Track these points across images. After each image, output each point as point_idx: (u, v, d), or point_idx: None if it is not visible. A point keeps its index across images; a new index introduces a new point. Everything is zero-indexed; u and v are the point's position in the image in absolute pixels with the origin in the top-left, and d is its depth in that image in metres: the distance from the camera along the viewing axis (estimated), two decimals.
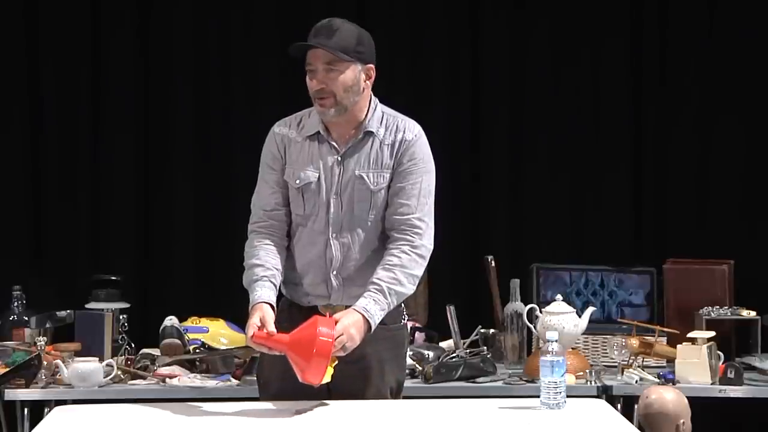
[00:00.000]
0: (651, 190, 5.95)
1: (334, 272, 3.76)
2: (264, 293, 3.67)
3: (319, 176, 3.76)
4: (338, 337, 3.53)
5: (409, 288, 3.73)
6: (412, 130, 3.79)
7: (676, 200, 5.93)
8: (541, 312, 4.95)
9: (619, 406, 4.73)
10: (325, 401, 3.67)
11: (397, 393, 3.86)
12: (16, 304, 5.29)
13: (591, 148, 5.95)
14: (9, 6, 5.80)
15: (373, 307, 3.64)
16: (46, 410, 4.58)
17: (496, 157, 5.94)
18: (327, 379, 3.56)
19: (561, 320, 4.86)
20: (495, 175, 5.94)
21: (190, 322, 5.26)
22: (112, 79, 5.86)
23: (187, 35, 5.88)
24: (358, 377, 3.73)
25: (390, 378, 3.82)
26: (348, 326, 3.57)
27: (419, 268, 3.74)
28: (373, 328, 3.64)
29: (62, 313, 5.29)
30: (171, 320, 5.20)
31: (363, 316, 3.62)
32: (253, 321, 3.61)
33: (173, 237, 5.88)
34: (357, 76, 3.71)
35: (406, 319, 3.91)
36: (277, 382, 3.80)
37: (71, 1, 5.84)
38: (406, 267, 3.71)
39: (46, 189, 5.85)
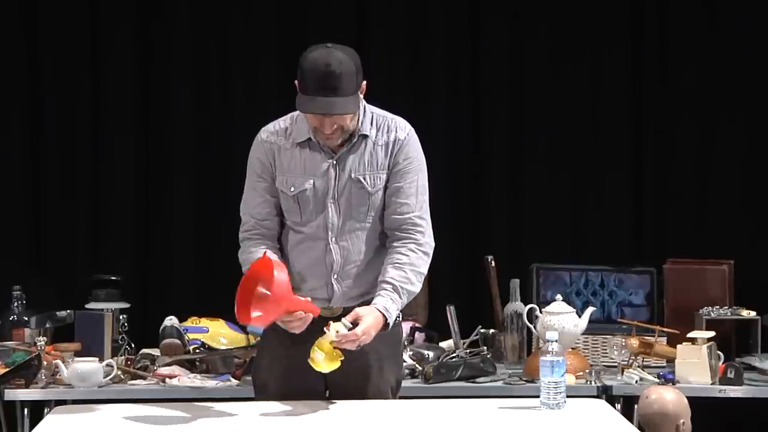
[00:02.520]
0: (651, 190, 5.95)
1: (335, 276, 3.76)
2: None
3: (313, 182, 3.74)
4: (362, 337, 3.55)
5: (418, 286, 3.75)
6: (404, 129, 3.79)
7: (676, 200, 5.93)
8: (541, 312, 4.94)
9: (618, 406, 4.72)
10: (324, 401, 3.68)
11: (396, 391, 3.87)
12: (16, 304, 5.29)
13: (591, 148, 5.94)
14: (8, 6, 5.80)
15: (391, 306, 3.66)
16: (46, 410, 4.58)
17: (496, 157, 5.93)
18: (336, 365, 3.55)
19: (561, 320, 4.86)
20: (495, 175, 5.93)
21: (190, 322, 5.26)
22: (112, 79, 5.85)
23: (187, 35, 5.88)
24: (358, 376, 3.74)
25: (389, 375, 3.83)
26: (369, 327, 3.58)
27: (425, 266, 3.77)
28: (390, 327, 3.66)
29: (62, 313, 5.28)
30: (171, 320, 5.20)
31: (384, 315, 3.63)
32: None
33: (173, 237, 5.88)
34: (359, 101, 3.69)
35: (401, 317, 3.90)
36: (275, 384, 3.81)
37: (71, 1, 5.83)
38: (415, 265, 3.72)
39: (46, 189, 5.85)
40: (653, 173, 5.94)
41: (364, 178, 3.75)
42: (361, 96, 3.71)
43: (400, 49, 5.90)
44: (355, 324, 3.58)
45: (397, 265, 3.70)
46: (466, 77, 5.94)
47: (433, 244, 3.81)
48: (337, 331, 3.54)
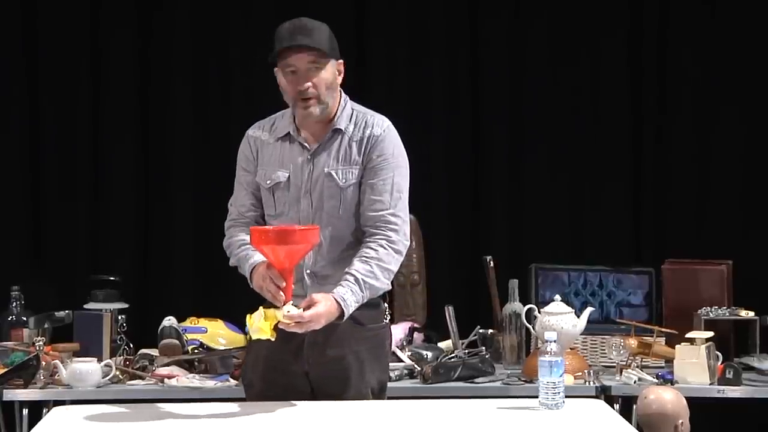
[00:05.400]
0: (650, 190, 5.95)
1: (308, 271, 3.76)
2: (260, 257, 3.67)
3: (288, 176, 3.77)
4: (308, 322, 3.54)
5: (384, 283, 3.73)
6: (381, 126, 3.79)
7: (675, 200, 5.93)
8: (539, 312, 4.95)
9: (617, 406, 4.72)
10: (320, 402, 3.68)
11: (379, 393, 3.83)
12: (14, 304, 5.29)
13: (590, 149, 5.95)
14: (7, 6, 5.80)
15: (349, 297, 3.64)
16: (44, 410, 4.58)
17: (495, 157, 5.94)
18: (264, 336, 3.53)
19: (559, 320, 4.86)
20: (494, 175, 5.94)
21: (188, 323, 5.25)
22: (112, 80, 5.86)
23: (186, 36, 5.89)
24: (337, 378, 3.73)
25: (371, 378, 3.80)
26: (320, 315, 3.56)
27: (395, 264, 3.75)
28: (345, 317, 3.63)
29: (61, 314, 5.29)
30: (169, 320, 5.20)
31: (339, 305, 3.62)
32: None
33: (172, 237, 5.88)
34: (334, 72, 3.74)
35: (388, 319, 3.89)
36: (259, 382, 3.82)
37: (71, 0, 5.84)
38: (383, 261, 3.71)
39: (46, 189, 5.85)
40: (652, 174, 5.94)
41: (336, 173, 3.75)
42: (340, 77, 3.76)
43: (401, 49, 5.90)
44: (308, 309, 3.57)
45: (364, 258, 3.69)
46: (466, 77, 5.94)
47: (408, 243, 3.78)
48: (288, 311, 3.54)
